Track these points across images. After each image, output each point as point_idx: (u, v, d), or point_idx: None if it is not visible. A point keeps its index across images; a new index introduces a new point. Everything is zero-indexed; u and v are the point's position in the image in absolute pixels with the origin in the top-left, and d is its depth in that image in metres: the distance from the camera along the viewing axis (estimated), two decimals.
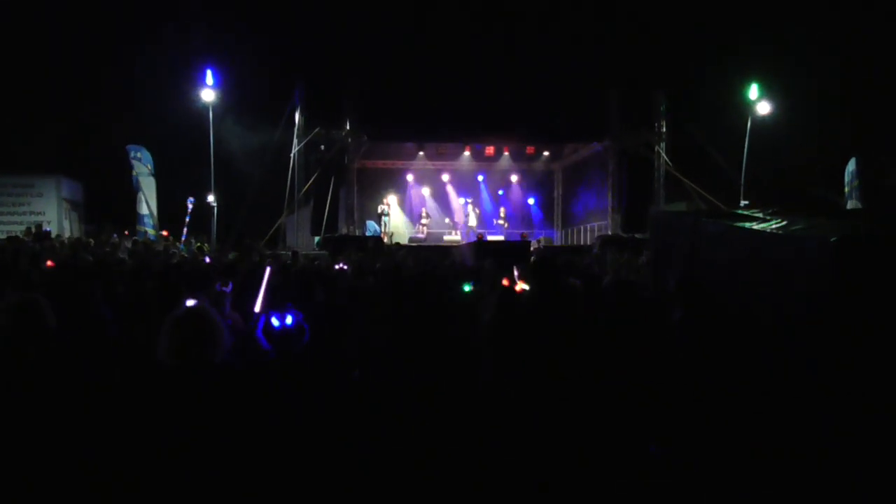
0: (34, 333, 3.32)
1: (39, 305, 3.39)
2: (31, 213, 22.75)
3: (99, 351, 4.34)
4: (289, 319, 4.10)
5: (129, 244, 16.68)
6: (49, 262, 10.22)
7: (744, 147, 21.76)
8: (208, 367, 2.94)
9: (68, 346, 3.53)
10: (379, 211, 25.59)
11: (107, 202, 24.67)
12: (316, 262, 12.82)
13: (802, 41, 21.80)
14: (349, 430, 3.83)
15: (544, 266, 4.20)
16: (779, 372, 4.21)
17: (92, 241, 16.35)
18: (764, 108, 21.81)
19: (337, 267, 10.27)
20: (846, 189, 19.47)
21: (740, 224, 5.42)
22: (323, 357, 4.14)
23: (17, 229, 19.53)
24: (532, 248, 20.57)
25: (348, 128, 23.67)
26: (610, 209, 25.02)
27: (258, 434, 3.00)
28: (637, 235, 21.07)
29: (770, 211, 5.74)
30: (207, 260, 12.77)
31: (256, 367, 3.78)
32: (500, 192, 29.16)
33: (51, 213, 23.10)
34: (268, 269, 4.72)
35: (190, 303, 3.37)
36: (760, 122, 21.94)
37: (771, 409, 4.13)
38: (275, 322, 4.07)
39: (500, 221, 27.29)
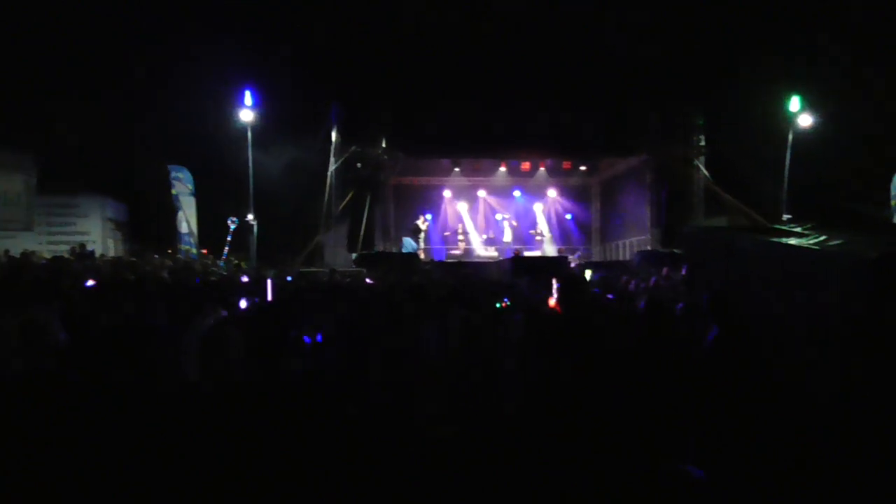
0: (43, 349, 3.36)
1: (48, 322, 3.44)
2: (77, 232, 23.34)
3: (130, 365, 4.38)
4: (315, 336, 4.11)
5: (170, 262, 16.98)
6: (91, 281, 10.46)
7: (785, 160, 21.33)
8: (230, 385, 2.93)
9: (87, 360, 3.58)
10: (416, 228, 25.63)
11: (149, 222, 25.19)
12: (347, 280, 12.88)
13: (845, 51, 21.32)
14: (372, 450, 3.79)
15: (573, 286, 4.13)
16: (816, 392, 4.07)
17: (134, 259, 16.70)
18: (805, 120, 21.37)
19: (368, 282, 10.30)
20: (892, 203, 18.94)
21: (776, 240, 5.27)
22: (346, 372, 4.13)
23: (63, 249, 20.03)
24: (573, 265, 20.37)
25: (384, 145, 23.84)
26: (649, 224, 24.71)
27: (281, 452, 2.99)
28: (676, 251, 20.73)
29: (808, 226, 5.58)
30: (245, 279, 12.92)
31: (280, 384, 3.77)
32: (537, 208, 29.03)
33: (95, 232, 23.68)
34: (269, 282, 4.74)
35: (211, 320, 3.37)
36: (803, 135, 21.50)
37: (808, 429, 3.98)
38: (307, 338, 4.08)
39: (538, 237, 27.13)
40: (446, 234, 28.18)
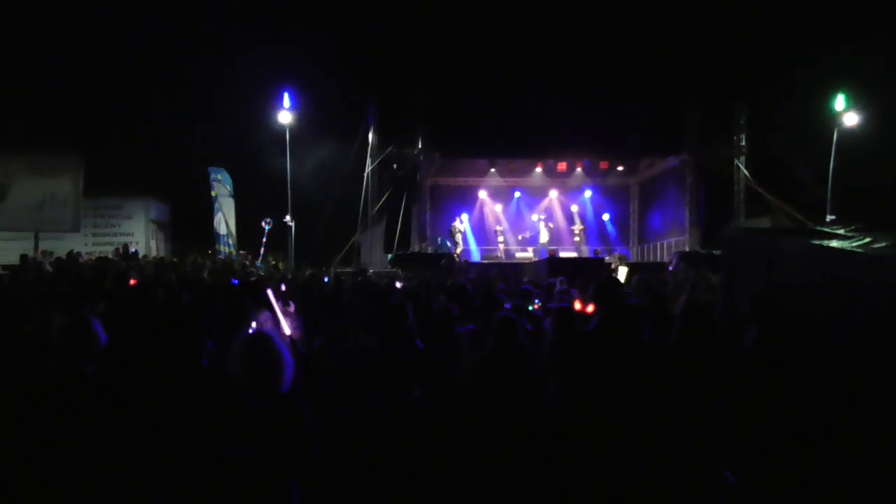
0: (85, 350, 3.44)
1: (88, 326, 3.50)
2: (121, 234, 23.89)
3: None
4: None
5: (209, 262, 17.27)
6: (132, 281, 10.69)
7: (830, 160, 20.83)
8: (275, 396, 2.94)
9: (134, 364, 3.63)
10: (453, 229, 25.63)
11: (190, 222, 25.66)
12: (385, 281, 12.93)
13: (892, 47, 20.75)
14: (410, 454, 3.82)
15: (609, 288, 4.08)
16: (857, 399, 3.97)
17: (175, 259, 17.02)
18: (851, 119, 20.85)
19: (398, 285, 10.33)
20: None
21: (819, 242, 5.16)
22: (384, 375, 4.15)
23: (108, 250, 20.52)
24: (612, 266, 20.16)
25: (420, 146, 23.90)
26: (688, 225, 24.37)
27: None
28: (716, 252, 20.40)
29: (853, 228, 5.44)
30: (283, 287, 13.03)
31: (316, 393, 3.80)
32: (574, 209, 28.81)
33: (139, 233, 24.22)
34: (270, 292, 4.76)
35: (254, 326, 3.39)
36: (848, 134, 20.97)
37: (849, 436, 3.90)
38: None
39: (576, 238, 26.88)
40: (482, 234, 28.15)
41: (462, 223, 26.19)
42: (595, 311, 4.00)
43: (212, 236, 22.86)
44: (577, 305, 6.38)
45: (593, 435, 3.72)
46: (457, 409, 4.01)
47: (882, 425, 3.78)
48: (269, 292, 4.71)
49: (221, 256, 20.88)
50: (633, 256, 27.81)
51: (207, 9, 24.95)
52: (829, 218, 18.58)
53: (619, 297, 4.05)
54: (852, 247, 4.71)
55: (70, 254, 15.80)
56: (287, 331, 4.21)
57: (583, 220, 27.66)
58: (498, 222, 27.86)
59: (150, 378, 4.02)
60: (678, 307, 7.05)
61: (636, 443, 3.68)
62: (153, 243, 24.76)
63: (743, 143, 23.36)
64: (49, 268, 13.73)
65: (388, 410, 3.82)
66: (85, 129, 25.15)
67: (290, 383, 3.05)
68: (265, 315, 4.55)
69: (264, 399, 2.93)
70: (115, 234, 23.94)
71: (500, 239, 26.71)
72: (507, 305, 5.92)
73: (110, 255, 17.56)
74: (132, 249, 19.21)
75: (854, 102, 21.02)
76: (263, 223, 22.05)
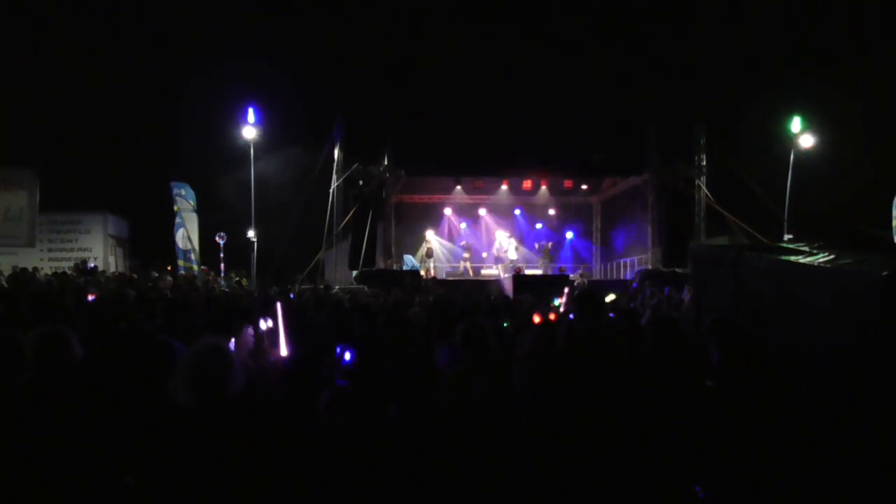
0: (60, 366, 3.33)
1: (65, 337, 3.39)
2: (79, 249, 23.34)
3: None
4: (347, 356, 4.09)
5: (170, 279, 16.95)
6: (91, 295, 10.46)
7: (787, 181, 21.37)
8: (221, 406, 2.86)
9: (101, 378, 3.54)
10: (421, 254, 25.51)
11: (151, 238, 25.23)
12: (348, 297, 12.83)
13: (846, 72, 21.46)
14: (382, 472, 3.76)
15: (590, 299, 4.08)
16: (825, 411, 4.04)
17: (136, 276, 16.68)
18: (807, 141, 21.43)
19: (363, 299, 10.26)
20: (893, 223, 18.93)
21: (786, 258, 5.26)
22: (364, 390, 4.09)
23: (66, 265, 20.04)
24: (576, 283, 20.32)
25: (386, 163, 23.89)
26: (650, 243, 24.70)
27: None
28: (678, 270, 20.71)
29: (816, 245, 5.57)
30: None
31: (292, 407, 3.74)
32: (539, 226, 29.03)
33: (97, 249, 23.71)
34: (279, 306, 4.69)
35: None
36: (804, 156, 21.55)
37: (817, 450, 3.95)
38: (346, 357, 4.06)
39: (543, 256, 27.03)
40: (448, 251, 28.22)
41: (429, 246, 26.15)
42: (566, 321, 4.01)
43: (173, 252, 22.49)
44: (536, 319, 6.41)
45: (569, 451, 3.72)
46: (432, 426, 3.98)
47: (852, 437, 3.85)
48: (279, 306, 4.63)
49: (181, 272, 20.52)
50: (597, 274, 28.09)
51: (171, 23, 24.73)
52: (786, 237, 18.98)
53: (600, 311, 4.05)
54: (818, 262, 4.81)
55: (22, 270, 15.45)
56: (284, 350, 4.15)
57: (548, 238, 27.92)
58: (464, 240, 27.94)
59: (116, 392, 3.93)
60: (644, 322, 7.13)
61: (611, 457, 3.68)
62: (111, 259, 24.26)
63: (703, 163, 23.82)
64: (4, 283, 13.36)
65: (365, 426, 3.76)
66: (41, 143, 24.65)
67: (238, 391, 2.94)
68: (247, 331, 4.48)
69: (206, 407, 2.84)
70: (71, 250, 23.39)
71: (466, 255, 26.75)
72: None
73: (68, 271, 17.15)
74: (90, 265, 18.78)
75: (809, 125, 21.62)
76: (218, 237, 21.83)
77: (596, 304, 4.03)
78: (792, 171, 21.35)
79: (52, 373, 3.29)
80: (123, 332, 5.57)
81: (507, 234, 27.54)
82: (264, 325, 4.68)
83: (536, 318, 6.25)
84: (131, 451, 3.04)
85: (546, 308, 8.48)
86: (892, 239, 18.41)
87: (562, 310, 7.21)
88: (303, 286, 18.07)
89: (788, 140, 21.75)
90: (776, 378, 4.32)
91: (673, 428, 4.05)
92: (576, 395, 3.72)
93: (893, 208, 19.00)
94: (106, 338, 5.93)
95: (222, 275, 21.68)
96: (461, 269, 26.64)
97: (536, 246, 27.25)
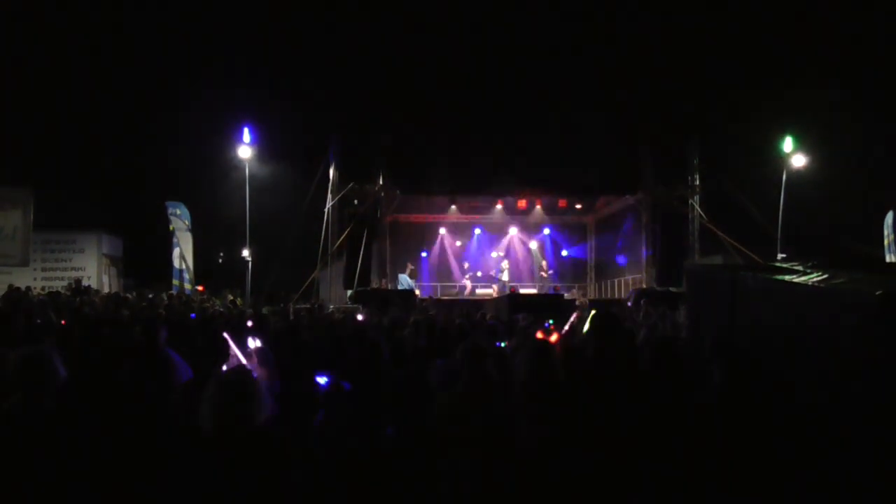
0: (43, 385, 3.31)
1: (48, 358, 3.38)
2: (73, 268, 23.28)
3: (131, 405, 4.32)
4: (322, 380, 4.07)
5: (164, 299, 16.89)
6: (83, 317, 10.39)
7: (779, 200, 21.50)
8: (249, 433, 2.84)
9: (83, 398, 3.53)
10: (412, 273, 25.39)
11: (145, 257, 25.19)
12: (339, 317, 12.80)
13: (838, 92, 21.67)
14: (380, 496, 3.74)
15: (609, 321, 4.04)
16: (821, 431, 4.04)
17: (129, 295, 16.61)
18: (799, 160, 21.59)
19: (359, 317, 10.24)
20: (885, 242, 19.05)
21: (780, 277, 5.28)
22: (356, 414, 4.07)
23: (59, 285, 19.96)
24: (577, 302, 20.31)
25: (381, 182, 23.94)
26: (644, 262, 24.76)
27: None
28: (672, 289, 20.75)
29: (810, 264, 5.59)
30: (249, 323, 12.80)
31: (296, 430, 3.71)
32: (533, 246, 29.08)
33: (91, 268, 23.64)
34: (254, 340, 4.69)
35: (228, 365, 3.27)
36: (797, 175, 21.69)
37: (815, 469, 3.95)
38: (321, 381, 4.04)
39: (543, 274, 27.06)
40: (443, 271, 28.22)
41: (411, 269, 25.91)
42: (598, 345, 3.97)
43: (168, 271, 22.43)
44: (539, 336, 6.40)
45: (570, 470, 3.71)
46: (430, 446, 3.96)
47: (849, 456, 3.85)
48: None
49: (174, 291, 20.45)
50: (591, 293, 28.12)
51: (167, 44, 24.84)
52: (780, 256, 19.07)
53: (619, 333, 4.03)
54: (813, 282, 4.83)
55: (12, 289, 15.36)
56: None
57: (545, 258, 27.98)
58: (458, 259, 27.96)
59: (109, 413, 3.91)
60: (639, 342, 7.13)
61: (612, 477, 3.68)
62: (106, 278, 24.18)
63: (697, 182, 23.95)
64: None
65: (363, 449, 3.75)
66: (36, 161, 24.65)
67: (265, 420, 2.95)
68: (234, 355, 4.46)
69: (230, 436, 2.82)
70: (65, 269, 23.33)
71: (467, 277, 26.63)
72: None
73: (61, 290, 17.08)
74: (84, 284, 18.72)
75: (802, 144, 21.79)
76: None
77: (614, 327, 4.01)
78: (785, 190, 21.48)
79: (36, 394, 3.28)
80: (119, 350, 5.54)
81: (501, 254, 27.60)
82: (253, 343, 4.66)
83: (539, 336, 6.20)
84: (128, 475, 3.02)
85: (540, 329, 8.48)
86: (885, 257, 18.52)
87: (566, 328, 7.17)
88: (297, 306, 18.03)
89: (781, 159, 21.91)
90: (777, 398, 4.34)
91: (673, 447, 4.04)
92: (579, 416, 3.71)
93: (885, 227, 19.14)
94: (101, 355, 5.91)
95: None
96: (456, 288, 26.62)
97: (542, 265, 27.25)
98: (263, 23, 28.17)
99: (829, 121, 22.18)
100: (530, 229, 29.09)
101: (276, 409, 2.98)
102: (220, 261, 21.92)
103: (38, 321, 8.10)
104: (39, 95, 24.49)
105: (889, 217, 18.97)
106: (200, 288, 22.26)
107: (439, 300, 22.21)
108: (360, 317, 10.81)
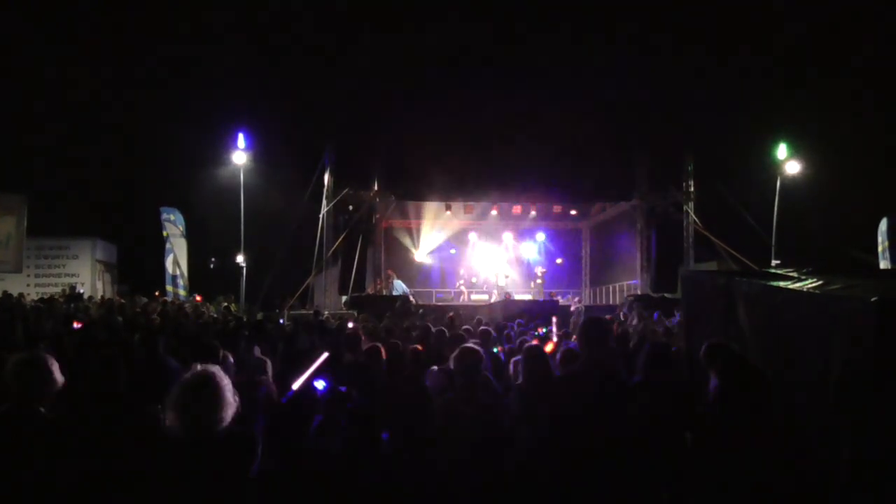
0: (40, 391, 3.30)
1: (46, 362, 3.37)
2: (66, 274, 23.18)
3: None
4: (320, 384, 4.06)
5: (157, 305, 16.82)
6: (76, 323, 10.34)
7: (774, 207, 21.56)
8: (213, 434, 2.82)
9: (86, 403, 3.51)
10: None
11: (139, 263, 25.11)
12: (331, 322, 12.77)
13: (832, 100, 21.78)
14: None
15: (598, 327, 4.04)
16: (820, 437, 4.04)
17: (123, 301, 16.54)
18: (793, 167, 21.67)
19: (350, 325, 10.20)
20: (879, 249, 19.10)
21: (776, 283, 5.28)
22: (352, 421, 4.06)
23: (53, 291, 19.87)
24: (573, 308, 20.31)
25: (376, 188, 23.93)
26: (639, 268, 24.79)
27: None
28: (667, 295, 20.77)
29: (805, 270, 5.60)
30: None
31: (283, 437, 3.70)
32: (529, 251, 29.08)
33: (85, 274, 23.54)
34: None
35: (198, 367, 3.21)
36: (791, 182, 21.77)
37: (816, 476, 3.95)
38: (319, 385, 4.02)
39: (538, 280, 27.01)
40: (437, 276, 28.24)
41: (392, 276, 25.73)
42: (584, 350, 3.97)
43: (162, 277, 22.35)
44: (535, 343, 6.40)
45: (566, 476, 3.70)
46: (426, 453, 3.95)
47: (846, 462, 3.85)
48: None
49: (168, 297, 20.37)
50: (586, 299, 28.12)
51: (161, 49, 24.82)
52: (774, 262, 19.11)
53: (607, 338, 4.03)
54: (808, 288, 4.83)
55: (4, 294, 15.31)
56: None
57: (541, 264, 27.97)
58: (461, 265, 27.99)
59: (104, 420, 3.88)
60: (634, 348, 7.13)
61: (609, 483, 3.67)
62: (99, 284, 24.09)
63: (692, 188, 24.00)
64: None
65: (359, 455, 3.73)
66: (30, 168, 24.57)
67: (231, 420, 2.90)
68: (229, 358, 4.45)
69: (196, 437, 2.80)
70: (59, 275, 23.23)
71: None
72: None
73: (56, 296, 17.01)
74: (78, 290, 18.66)
75: (796, 150, 21.88)
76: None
77: (603, 332, 4.01)
78: (779, 197, 21.56)
79: (33, 399, 3.26)
80: (115, 356, 5.50)
81: (497, 260, 27.63)
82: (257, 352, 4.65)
83: (535, 342, 6.20)
84: (118, 481, 3.00)
85: (531, 336, 8.49)
86: (879, 263, 18.57)
87: (554, 338, 7.18)
88: (292, 311, 17.99)
89: (775, 166, 21.99)
90: (775, 404, 4.33)
91: (671, 452, 4.04)
92: (574, 421, 3.70)
93: (879, 234, 19.19)
94: (96, 362, 5.88)
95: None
96: (451, 293, 26.62)
97: (537, 272, 27.21)
98: (257, 28, 28.19)
99: (823, 128, 22.28)
100: (525, 235, 29.10)
101: (240, 408, 2.94)
102: (212, 266, 21.79)
103: (34, 327, 8.07)
104: (34, 100, 24.43)
105: (883, 224, 19.02)
106: (198, 298, 22.14)
107: (435, 306, 22.17)
108: (350, 325, 10.71)
